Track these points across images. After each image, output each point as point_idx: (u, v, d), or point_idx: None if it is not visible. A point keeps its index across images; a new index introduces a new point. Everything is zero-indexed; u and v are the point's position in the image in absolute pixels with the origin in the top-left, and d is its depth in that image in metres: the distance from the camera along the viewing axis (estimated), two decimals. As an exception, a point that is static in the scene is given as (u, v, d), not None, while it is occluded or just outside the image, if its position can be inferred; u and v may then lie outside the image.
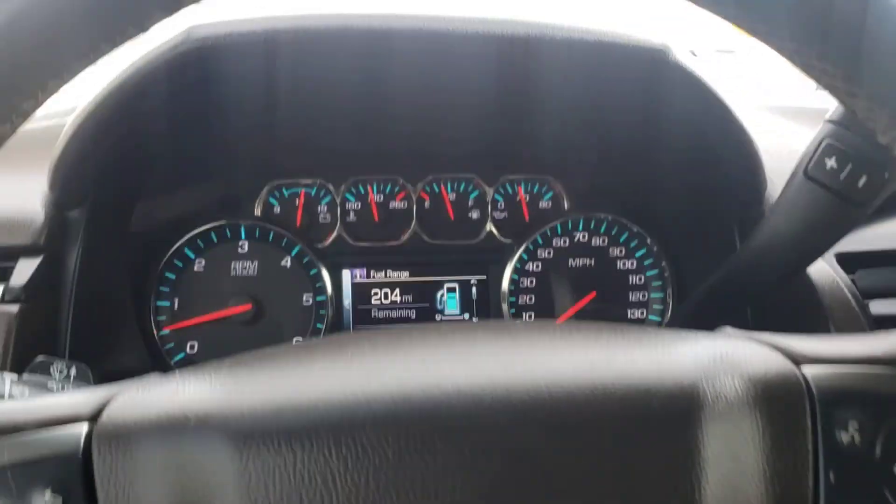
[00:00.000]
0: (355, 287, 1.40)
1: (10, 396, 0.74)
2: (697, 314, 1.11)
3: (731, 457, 0.53)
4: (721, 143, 1.06)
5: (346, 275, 1.40)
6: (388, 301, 1.40)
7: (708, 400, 0.54)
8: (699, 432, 0.53)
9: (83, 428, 0.53)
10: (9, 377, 0.75)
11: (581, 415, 0.53)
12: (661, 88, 1.01)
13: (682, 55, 0.97)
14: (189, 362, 1.34)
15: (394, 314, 1.41)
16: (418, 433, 0.51)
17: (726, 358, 0.57)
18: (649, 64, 0.97)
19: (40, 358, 0.81)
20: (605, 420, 0.53)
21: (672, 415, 0.53)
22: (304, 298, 1.38)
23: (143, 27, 0.48)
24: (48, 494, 0.51)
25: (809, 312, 1.03)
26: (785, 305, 1.05)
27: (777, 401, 0.55)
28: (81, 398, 0.56)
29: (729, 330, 0.67)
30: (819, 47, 0.48)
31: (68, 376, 0.81)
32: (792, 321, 1.06)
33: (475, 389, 0.53)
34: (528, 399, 0.53)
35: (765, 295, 1.04)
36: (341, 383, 0.54)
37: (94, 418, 0.54)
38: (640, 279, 1.40)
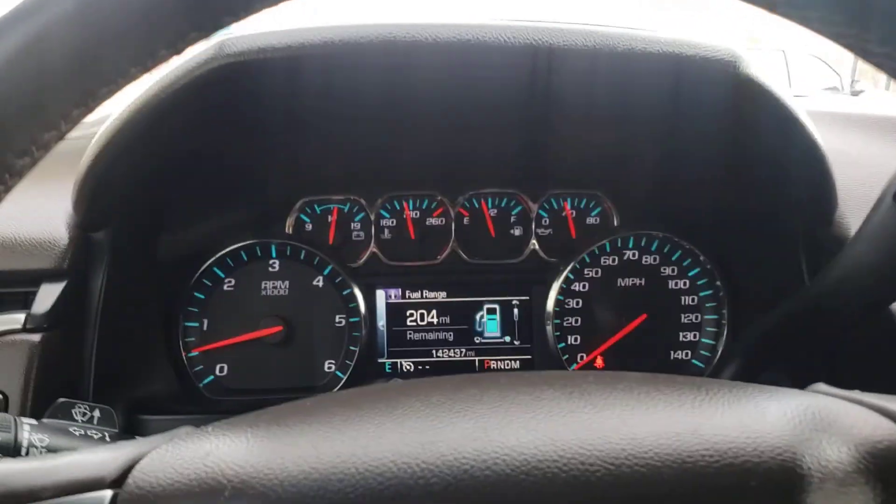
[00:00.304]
0: (390, 308, 1.34)
1: (30, 444, 0.69)
2: (761, 350, 1.04)
3: None
4: (790, 158, 0.98)
5: (380, 295, 1.34)
6: (424, 323, 1.34)
7: (813, 477, 0.47)
8: None
9: (107, 495, 0.48)
10: (27, 423, 0.70)
11: (668, 494, 0.46)
12: (728, 101, 0.93)
13: (752, 65, 0.89)
14: (218, 385, 1.29)
15: (430, 336, 1.35)
16: None
17: (828, 424, 0.50)
18: (716, 76, 0.90)
19: (61, 400, 0.75)
20: (694, 500, 0.46)
21: (773, 495, 0.46)
22: (337, 319, 1.32)
23: (176, 49, 0.44)
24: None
25: (893, 353, 0.95)
26: (863, 344, 0.98)
27: (894, 473, 0.48)
28: (105, 459, 0.51)
29: (822, 387, 0.59)
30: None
31: (91, 419, 0.75)
32: (870, 361, 0.98)
33: (547, 463, 0.46)
34: (607, 475, 0.46)
35: (841, 332, 0.96)
36: (394, 451, 0.48)
37: (119, 482, 0.49)
38: (692, 300, 1.33)
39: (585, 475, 0.46)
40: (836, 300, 0.89)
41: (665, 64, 0.90)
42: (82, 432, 0.73)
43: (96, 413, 0.76)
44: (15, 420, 0.70)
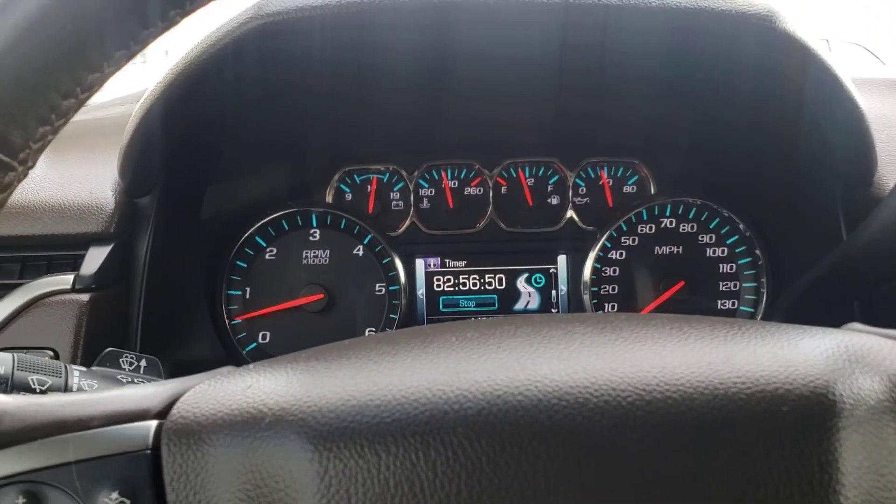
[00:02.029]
0: (429, 276, 1.36)
1: (80, 389, 0.71)
2: (798, 307, 1.03)
3: (873, 470, 0.46)
4: (829, 119, 0.97)
5: (419, 264, 1.36)
6: (462, 290, 1.35)
7: (845, 404, 0.47)
8: (837, 442, 0.46)
9: (152, 425, 0.50)
10: (77, 369, 0.73)
11: (699, 419, 0.46)
12: (765, 60, 0.92)
13: (790, 21, 0.88)
14: (261, 352, 1.31)
15: (468, 304, 1.36)
16: (516, 437, 0.46)
17: (862, 357, 0.50)
18: (753, 32, 0.89)
19: (109, 349, 0.78)
20: (726, 426, 0.46)
21: (805, 421, 0.46)
22: (377, 288, 1.34)
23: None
24: (115, 495, 0.47)
25: None
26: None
27: None
28: (151, 392, 0.53)
29: (857, 326, 0.59)
30: None
31: (138, 368, 0.78)
32: None
33: (579, 389, 0.47)
34: (638, 400, 0.47)
35: (877, 287, 0.95)
36: (429, 380, 0.49)
37: (163, 414, 0.51)
38: (731, 267, 1.32)
39: (616, 400, 0.47)
40: (872, 256, 0.88)
41: (701, 20, 0.89)
42: (129, 380, 0.76)
43: (142, 363, 0.78)
44: (65, 367, 0.72)
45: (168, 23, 0.48)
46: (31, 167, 0.49)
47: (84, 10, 0.45)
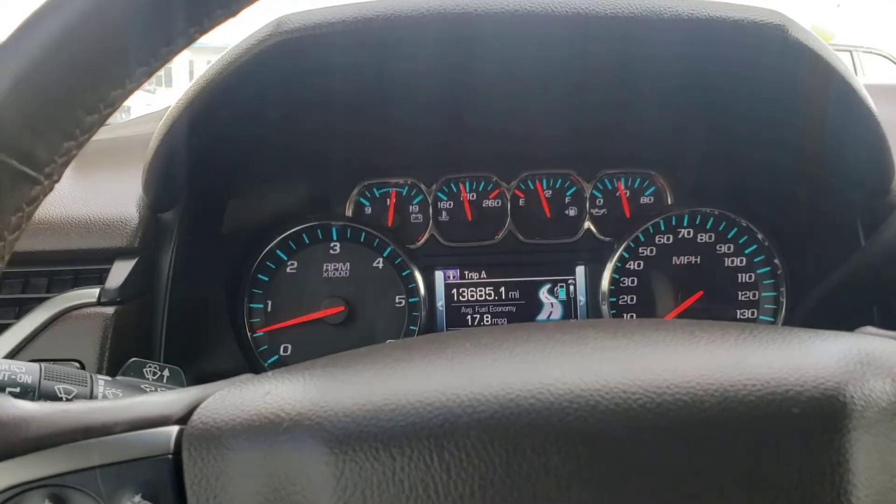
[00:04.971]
0: (448, 288, 1.37)
1: (104, 398, 0.73)
2: (817, 313, 1.03)
3: (885, 471, 0.46)
4: (845, 128, 0.97)
5: (438, 276, 1.37)
6: (481, 302, 1.36)
7: (856, 406, 0.47)
8: (847, 443, 0.46)
9: (174, 430, 0.51)
10: (102, 379, 0.74)
11: (709, 422, 0.47)
12: (780, 69, 0.93)
13: (803, 30, 0.89)
14: (282, 364, 1.33)
15: (487, 315, 1.37)
16: (528, 439, 0.47)
17: (874, 359, 0.50)
18: (766, 42, 0.90)
19: (134, 359, 0.80)
20: (736, 427, 0.47)
21: (815, 423, 0.47)
22: (397, 300, 1.35)
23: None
24: (138, 499, 0.48)
25: None
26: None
27: None
28: (172, 399, 0.54)
29: (871, 329, 0.59)
30: None
31: (161, 378, 0.79)
32: None
33: (590, 392, 0.48)
34: (648, 403, 0.47)
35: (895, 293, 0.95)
36: (443, 384, 0.50)
37: (184, 420, 0.52)
38: (750, 277, 1.32)
39: (627, 402, 0.47)
40: (890, 261, 0.88)
41: (714, 31, 0.90)
42: (153, 389, 0.78)
43: (166, 372, 0.80)
44: (91, 376, 0.74)
45: (187, 40, 0.50)
46: (57, 181, 0.51)
47: (109, 29, 0.47)
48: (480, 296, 1.36)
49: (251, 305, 1.33)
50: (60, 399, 0.70)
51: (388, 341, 1.30)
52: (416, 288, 1.34)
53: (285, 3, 0.90)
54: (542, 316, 1.36)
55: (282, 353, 1.33)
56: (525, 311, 1.36)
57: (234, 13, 0.50)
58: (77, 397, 0.71)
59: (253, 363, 1.32)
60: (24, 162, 0.48)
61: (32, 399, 0.68)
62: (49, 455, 0.50)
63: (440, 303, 1.36)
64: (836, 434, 0.46)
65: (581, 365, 0.51)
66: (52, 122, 0.48)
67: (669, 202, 1.35)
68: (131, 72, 0.49)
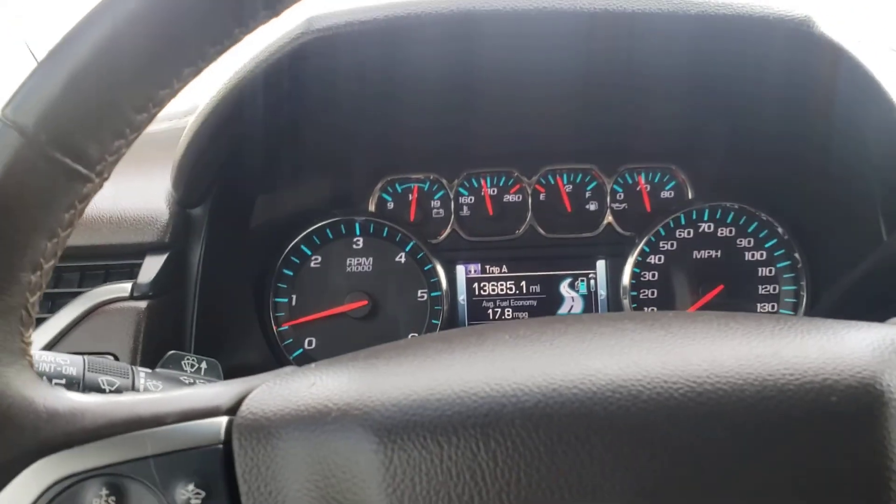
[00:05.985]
0: (470, 282, 1.38)
1: (146, 389, 0.75)
2: (840, 307, 1.04)
3: None
4: (868, 121, 0.98)
5: (460, 270, 1.38)
6: (503, 296, 1.38)
7: (893, 394, 0.48)
8: (886, 431, 0.47)
9: (223, 420, 0.53)
10: (143, 371, 0.76)
11: (749, 410, 0.48)
12: (802, 64, 0.94)
13: (827, 25, 0.90)
14: (307, 358, 1.34)
15: (509, 309, 1.38)
16: (572, 427, 0.48)
17: None
18: (790, 37, 0.91)
19: (172, 352, 0.81)
20: (775, 417, 0.48)
21: (854, 410, 0.48)
22: (419, 294, 1.36)
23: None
24: (191, 487, 0.50)
25: None
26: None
27: None
28: (220, 391, 0.56)
29: None
30: None
31: (199, 370, 0.81)
32: None
33: (632, 381, 0.49)
34: (689, 392, 0.49)
35: None
36: (486, 375, 0.52)
37: (233, 411, 0.53)
38: (770, 271, 1.32)
39: (668, 392, 0.49)
40: None
41: (738, 26, 0.91)
42: (191, 381, 0.79)
43: (203, 364, 0.81)
44: (132, 369, 0.76)
45: (233, 40, 0.51)
46: (107, 179, 0.53)
47: (159, 31, 0.48)
48: (502, 290, 1.38)
49: (276, 300, 1.35)
50: (104, 390, 0.72)
51: (411, 336, 1.33)
52: (438, 282, 1.36)
53: (323, 6, 0.91)
54: (563, 310, 1.37)
55: (306, 346, 1.35)
56: (546, 305, 1.37)
57: (277, 13, 0.52)
58: (119, 389, 0.73)
59: (278, 356, 1.34)
60: (78, 160, 0.49)
61: (78, 391, 0.70)
62: (104, 445, 0.51)
63: (462, 297, 1.38)
64: (874, 421, 0.47)
65: (621, 356, 0.52)
66: (104, 121, 0.50)
67: (690, 196, 1.36)
68: (179, 72, 0.50)
